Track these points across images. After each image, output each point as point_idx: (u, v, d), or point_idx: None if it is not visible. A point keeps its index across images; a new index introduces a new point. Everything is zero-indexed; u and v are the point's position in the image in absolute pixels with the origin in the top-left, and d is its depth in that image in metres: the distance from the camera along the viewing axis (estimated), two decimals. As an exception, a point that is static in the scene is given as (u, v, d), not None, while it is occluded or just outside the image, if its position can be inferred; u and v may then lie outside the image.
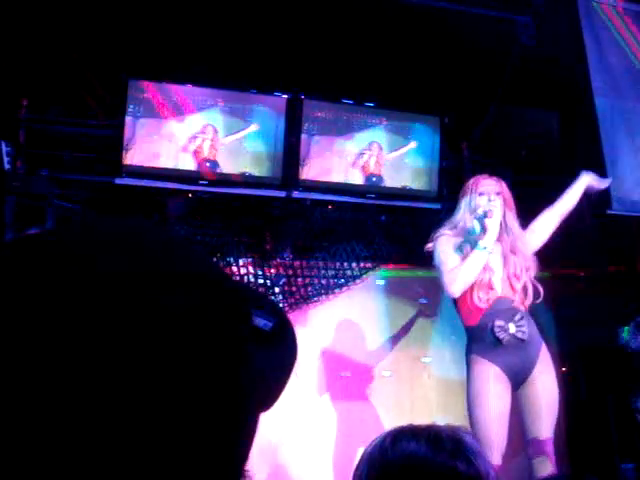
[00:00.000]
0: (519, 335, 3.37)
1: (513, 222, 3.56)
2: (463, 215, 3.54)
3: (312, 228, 5.26)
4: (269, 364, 0.56)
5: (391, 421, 5.05)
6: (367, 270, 5.31)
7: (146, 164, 4.93)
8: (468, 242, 3.46)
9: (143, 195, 5.06)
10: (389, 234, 5.38)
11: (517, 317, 3.40)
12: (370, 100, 5.40)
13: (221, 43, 5.02)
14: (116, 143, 4.89)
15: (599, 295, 5.75)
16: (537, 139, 5.69)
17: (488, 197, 3.50)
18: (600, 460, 5.49)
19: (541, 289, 3.54)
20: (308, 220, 5.24)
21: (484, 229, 3.39)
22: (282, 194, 5.15)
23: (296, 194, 5.16)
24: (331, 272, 5.22)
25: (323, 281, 5.20)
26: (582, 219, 5.73)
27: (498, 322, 3.36)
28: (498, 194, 3.53)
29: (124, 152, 4.87)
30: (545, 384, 3.47)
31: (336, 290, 5.24)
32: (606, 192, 4.99)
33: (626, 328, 5.67)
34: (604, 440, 5.60)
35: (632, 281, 5.77)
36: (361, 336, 5.35)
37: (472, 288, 3.42)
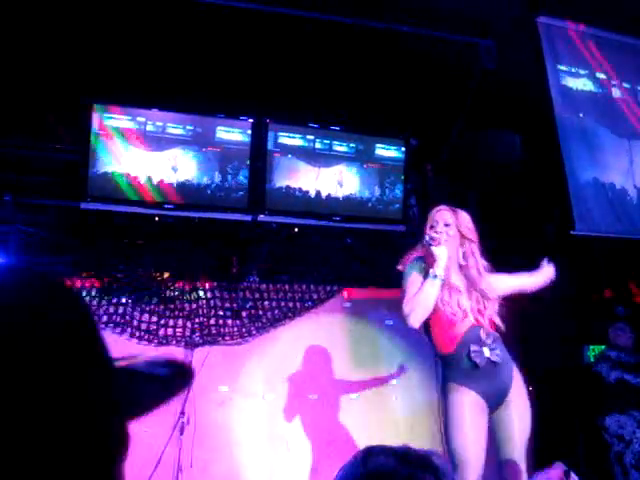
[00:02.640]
0: (493, 358, 3.36)
1: (471, 255, 3.51)
2: (420, 245, 3.56)
3: (278, 251, 5.28)
4: (150, 393, 0.71)
5: (360, 443, 5.05)
6: (333, 292, 5.33)
7: (112, 189, 4.93)
8: (421, 271, 3.48)
9: (108, 219, 5.05)
10: (354, 256, 5.41)
11: (490, 341, 3.40)
12: (336, 124, 5.44)
13: (188, 69, 5.05)
14: (81, 168, 4.89)
15: (563, 315, 5.80)
16: (501, 161, 5.75)
17: (435, 229, 3.50)
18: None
19: (502, 326, 3.52)
20: (274, 244, 5.26)
21: (433, 257, 3.41)
22: (248, 218, 5.16)
23: (262, 218, 5.17)
24: (297, 295, 5.23)
25: (290, 304, 5.21)
26: (546, 240, 5.81)
27: (473, 347, 3.37)
28: (447, 225, 3.53)
29: (90, 177, 4.88)
30: (519, 408, 3.46)
31: (303, 313, 5.25)
32: (569, 213, 5.06)
33: (592, 348, 5.73)
34: (571, 457, 5.64)
35: (596, 300, 5.83)
36: (328, 358, 5.35)
37: (446, 314, 3.43)
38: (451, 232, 3.49)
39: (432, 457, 1.33)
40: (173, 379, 0.69)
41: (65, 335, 0.62)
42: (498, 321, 3.48)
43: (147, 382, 0.67)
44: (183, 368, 0.73)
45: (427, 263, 3.49)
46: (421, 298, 3.36)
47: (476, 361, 3.35)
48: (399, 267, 3.58)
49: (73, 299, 0.67)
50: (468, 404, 3.35)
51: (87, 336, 0.65)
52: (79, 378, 0.60)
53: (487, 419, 3.41)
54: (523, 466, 3.44)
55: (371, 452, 1.33)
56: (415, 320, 3.36)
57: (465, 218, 3.57)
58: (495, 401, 3.43)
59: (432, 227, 3.52)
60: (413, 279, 3.46)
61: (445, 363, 3.47)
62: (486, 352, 3.38)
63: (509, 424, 3.43)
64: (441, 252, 3.39)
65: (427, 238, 3.42)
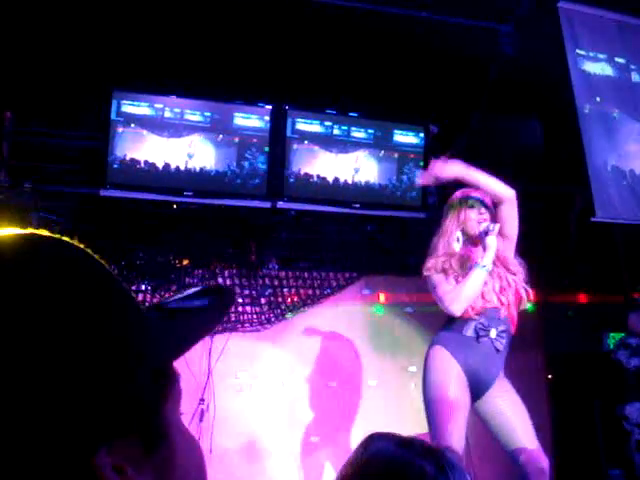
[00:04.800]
0: (496, 344, 3.35)
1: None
2: (449, 227, 3.55)
3: (297, 238, 5.27)
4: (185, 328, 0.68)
5: (378, 430, 5.05)
6: (352, 279, 5.32)
7: (131, 175, 4.93)
8: (450, 260, 3.47)
9: (128, 206, 5.04)
10: (374, 244, 5.39)
11: (501, 328, 3.39)
12: (354, 110, 5.41)
13: (206, 55, 5.03)
14: (101, 155, 4.89)
15: (583, 301, 5.78)
16: (521, 147, 5.71)
17: (478, 210, 3.52)
18: (588, 466, 5.50)
19: (530, 293, 3.53)
20: (293, 230, 5.25)
21: (484, 247, 3.40)
22: (267, 205, 5.15)
23: (281, 204, 5.15)
24: (317, 282, 5.22)
25: (309, 291, 5.21)
26: (566, 228, 5.77)
27: (482, 320, 3.36)
28: (487, 208, 3.54)
29: (109, 164, 4.87)
30: (513, 398, 3.43)
31: (322, 300, 5.25)
32: (589, 200, 5.02)
33: (612, 335, 5.70)
34: (591, 446, 5.62)
35: (616, 286, 5.80)
36: (347, 346, 5.35)
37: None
38: (487, 216, 3.51)
39: (443, 450, 1.35)
40: (211, 308, 0.67)
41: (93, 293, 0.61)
42: (526, 290, 3.49)
43: (182, 318, 0.65)
44: (221, 293, 0.70)
45: (442, 253, 3.49)
46: (464, 288, 3.34)
47: (479, 333, 3.33)
48: (425, 273, 3.54)
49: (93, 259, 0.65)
50: (454, 375, 3.32)
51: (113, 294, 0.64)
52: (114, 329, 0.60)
53: (469, 400, 3.36)
54: (538, 446, 3.38)
55: (373, 437, 1.36)
56: (458, 308, 3.35)
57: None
58: (476, 388, 3.36)
59: (472, 207, 3.52)
60: (440, 279, 3.45)
61: (446, 325, 3.45)
62: (492, 333, 3.36)
63: (506, 410, 3.39)
64: (492, 243, 3.39)
65: (482, 229, 3.42)
